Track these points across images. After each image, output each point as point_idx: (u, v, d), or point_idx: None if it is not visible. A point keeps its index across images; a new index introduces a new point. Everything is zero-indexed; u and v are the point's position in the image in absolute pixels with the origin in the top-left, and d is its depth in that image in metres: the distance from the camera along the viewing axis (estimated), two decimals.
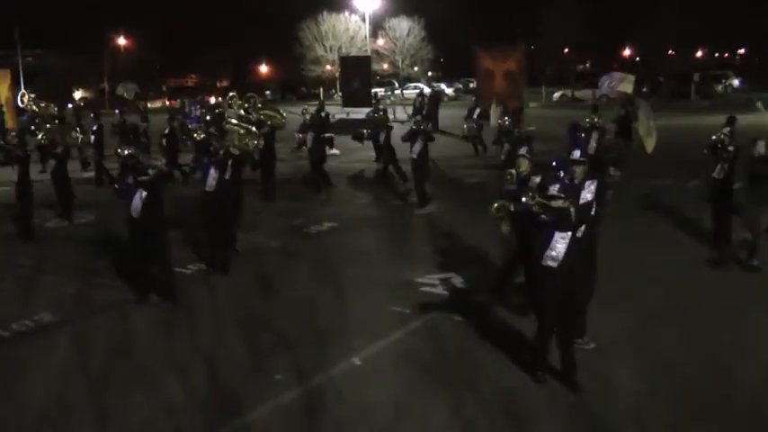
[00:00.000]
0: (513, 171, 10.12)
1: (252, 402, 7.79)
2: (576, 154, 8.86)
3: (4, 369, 8.98)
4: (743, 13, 69.92)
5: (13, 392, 8.25)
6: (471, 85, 49.94)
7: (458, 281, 11.74)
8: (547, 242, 7.90)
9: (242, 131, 13.96)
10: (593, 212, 8.70)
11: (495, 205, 8.83)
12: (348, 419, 7.42)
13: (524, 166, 10.21)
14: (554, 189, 7.83)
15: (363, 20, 62.31)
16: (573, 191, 8.34)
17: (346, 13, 66.83)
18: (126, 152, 11.31)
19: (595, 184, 8.81)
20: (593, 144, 18.42)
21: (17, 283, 12.47)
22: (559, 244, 7.86)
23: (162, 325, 10.24)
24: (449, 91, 64.58)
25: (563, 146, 15.39)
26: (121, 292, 11.61)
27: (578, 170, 8.75)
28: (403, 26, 69.05)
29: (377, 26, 66.85)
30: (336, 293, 11.27)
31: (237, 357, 9.07)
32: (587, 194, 8.72)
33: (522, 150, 11.56)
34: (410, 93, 51.26)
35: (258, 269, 12.65)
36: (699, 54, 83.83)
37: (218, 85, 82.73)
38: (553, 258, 7.87)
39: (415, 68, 72.15)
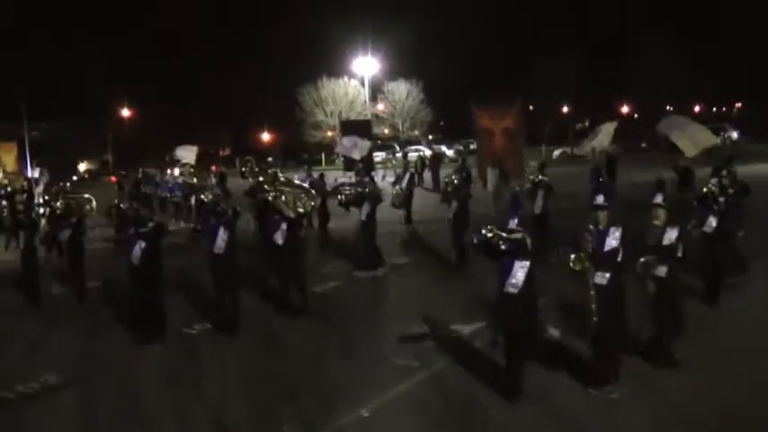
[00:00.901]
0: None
1: None
2: (600, 199, 8.99)
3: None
4: (737, 68, 70.94)
5: None
6: (472, 146, 50.19)
7: (462, 332, 11.70)
8: (508, 271, 8.74)
9: (298, 192, 13.91)
10: (618, 259, 8.83)
11: (573, 256, 8.80)
12: None
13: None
14: (513, 222, 8.90)
15: (363, 84, 62.92)
16: (597, 237, 8.87)
17: (345, 78, 67.50)
18: (127, 206, 13.16)
19: (620, 230, 8.90)
20: (539, 202, 17.35)
21: (22, 345, 12.46)
22: (519, 272, 8.70)
23: (169, 380, 10.27)
24: (449, 152, 64.99)
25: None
26: (126, 350, 11.67)
27: (601, 216, 8.98)
28: (401, 89, 69.80)
29: (376, 90, 67.49)
30: (343, 348, 11.28)
31: (245, 411, 9.08)
32: (612, 241, 8.83)
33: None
34: (412, 155, 51.65)
35: (265, 327, 12.65)
36: (696, 109, 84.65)
37: (220, 153, 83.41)
38: (514, 285, 8.72)
39: (415, 131, 72.65)
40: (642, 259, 9.26)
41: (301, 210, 13.57)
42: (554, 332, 11.00)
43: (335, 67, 66.12)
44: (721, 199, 12.04)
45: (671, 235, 9.55)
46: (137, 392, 9.95)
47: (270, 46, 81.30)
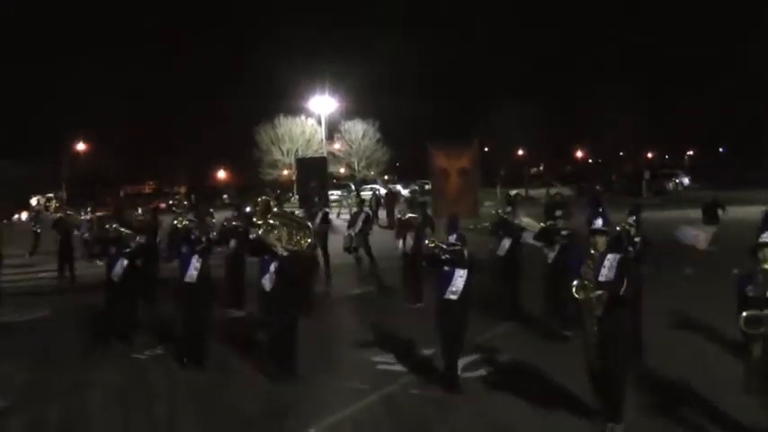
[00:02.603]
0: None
1: None
2: (599, 223, 8.50)
3: None
4: (689, 117, 72.45)
5: None
6: (427, 187, 50.45)
7: (414, 358, 11.76)
8: (448, 279, 9.87)
9: (294, 226, 11.30)
10: (620, 292, 8.12)
11: (576, 284, 8.25)
12: None
13: None
14: (452, 238, 10.03)
15: (319, 123, 63.07)
16: (595, 264, 8.33)
17: (302, 117, 67.58)
18: (113, 226, 13.88)
19: (618, 259, 8.39)
20: (409, 242, 16.28)
21: None
22: (458, 280, 9.84)
23: (118, 405, 10.16)
24: (404, 192, 65.23)
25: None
26: (77, 376, 11.54)
27: (600, 241, 8.45)
28: (358, 129, 70.02)
29: (333, 129, 67.63)
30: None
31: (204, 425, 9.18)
32: (607, 271, 8.26)
33: None
34: (366, 194, 51.66)
35: (216, 354, 12.33)
36: (649, 155, 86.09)
37: (176, 190, 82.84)
38: (454, 293, 9.83)
39: (371, 171, 72.80)
40: (747, 313, 7.68)
41: (295, 247, 11.02)
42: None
43: (292, 106, 66.19)
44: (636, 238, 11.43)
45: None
46: (86, 418, 9.86)
47: (227, 83, 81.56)
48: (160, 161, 79.05)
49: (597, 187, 57.35)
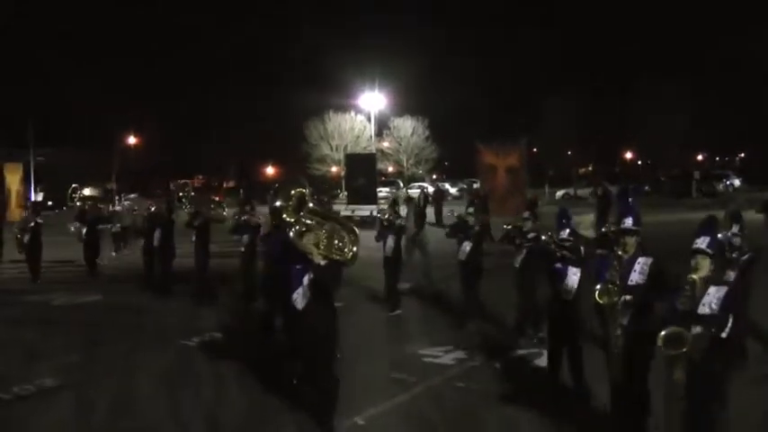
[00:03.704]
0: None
1: None
2: (629, 222, 7.83)
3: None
4: (739, 118, 71.46)
5: None
6: (475, 186, 50.39)
7: (459, 352, 11.84)
8: (560, 278, 9.41)
9: (337, 230, 8.59)
10: (648, 305, 7.49)
11: (599, 287, 7.63)
12: None
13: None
14: (564, 233, 9.65)
15: (369, 119, 63.26)
16: (624, 267, 7.65)
17: (352, 113, 67.79)
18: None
19: (650, 262, 7.64)
20: (390, 244, 15.43)
21: (21, 352, 12.62)
22: (572, 279, 9.36)
23: (163, 388, 10.37)
24: (452, 190, 65.37)
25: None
26: (125, 359, 11.88)
27: (629, 242, 7.73)
28: (407, 126, 69.93)
29: (382, 126, 67.72)
30: (341, 363, 11.31)
31: (243, 415, 9.20)
32: (636, 276, 7.58)
33: None
34: (414, 192, 51.79)
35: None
36: (699, 158, 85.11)
37: (224, 185, 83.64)
38: (567, 292, 9.38)
39: (420, 170, 72.76)
40: (667, 331, 6.79)
41: (338, 255, 8.44)
42: None
43: (342, 102, 66.46)
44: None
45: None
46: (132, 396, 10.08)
47: (277, 78, 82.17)
48: (209, 155, 79.91)
49: (646, 188, 57.22)
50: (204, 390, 10.21)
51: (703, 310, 6.69)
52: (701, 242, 6.89)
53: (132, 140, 74.88)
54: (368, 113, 62.75)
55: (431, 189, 46.89)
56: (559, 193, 60.51)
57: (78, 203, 21.37)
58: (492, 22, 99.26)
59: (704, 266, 6.84)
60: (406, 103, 67.61)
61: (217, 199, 18.77)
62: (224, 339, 13.21)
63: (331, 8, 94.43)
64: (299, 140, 69.41)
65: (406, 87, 64.73)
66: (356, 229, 8.68)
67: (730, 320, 6.59)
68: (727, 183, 61.97)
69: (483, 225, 15.40)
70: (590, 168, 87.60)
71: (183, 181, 16.77)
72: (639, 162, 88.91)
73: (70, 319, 15.41)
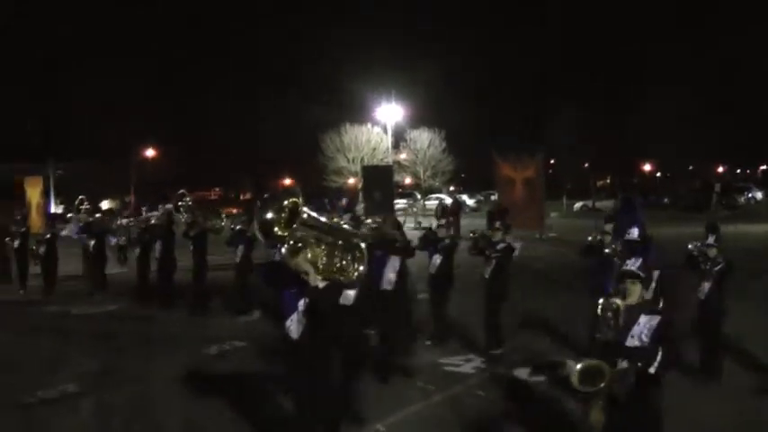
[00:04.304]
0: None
1: None
2: (634, 233, 7.17)
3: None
4: (762, 129, 71.13)
5: None
6: (492, 197, 50.22)
7: (480, 360, 11.91)
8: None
9: (338, 245, 7.35)
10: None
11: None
12: None
13: None
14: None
15: (385, 131, 63.26)
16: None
17: (368, 125, 67.84)
18: None
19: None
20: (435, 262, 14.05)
21: (44, 359, 12.82)
22: None
23: (180, 397, 10.43)
24: (470, 202, 65.23)
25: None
26: (144, 367, 12.04)
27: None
28: (424, 138, 69.95)
29: (398, 138, 67.65)
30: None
31: (265, 421, 9.25)
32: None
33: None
34: (431, 203, 51.65)
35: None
36: (720, 170, 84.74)
37: (240, 197, 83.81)
38: None
39: (437, 182, 72.70)
40: (582, 365, 5.86)
41: (338, 276, 7.24)
42: None
43: (359, 114, 66.57)
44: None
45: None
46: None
47: (293, 91, 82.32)
48: (224, 168, 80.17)
49: (665, 200, 56.77)
50: (220, 397, 10.19)
51: (632, 342, 5.96)
52: (632, 263, 6.24)
53: (150, 153, 75.22)
54: (384, 125, 62.73)
55: (448, 201, 46.82)
56: (577, 205, 60.21)
57: (83, 215, 21.32)
58: (509, 35, 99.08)
59: (635, 292, 6.17)
60: (423, 115, 67.71)
61: (219, 210, 18.53)
62: (242, 348, 13.24)
63: (348, 23, 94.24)
64: (316, 152, 69.53)
65: (423, 99, 64.92)
66: (362, 245, 7.43)
67: (659, 354, 5.80)
68: (749, 195, 61.50)
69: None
70: (608, 181, 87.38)
71: (180, 191, 16.69)
72: (659, 174, 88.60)
73: (88, 329, 15.56)
